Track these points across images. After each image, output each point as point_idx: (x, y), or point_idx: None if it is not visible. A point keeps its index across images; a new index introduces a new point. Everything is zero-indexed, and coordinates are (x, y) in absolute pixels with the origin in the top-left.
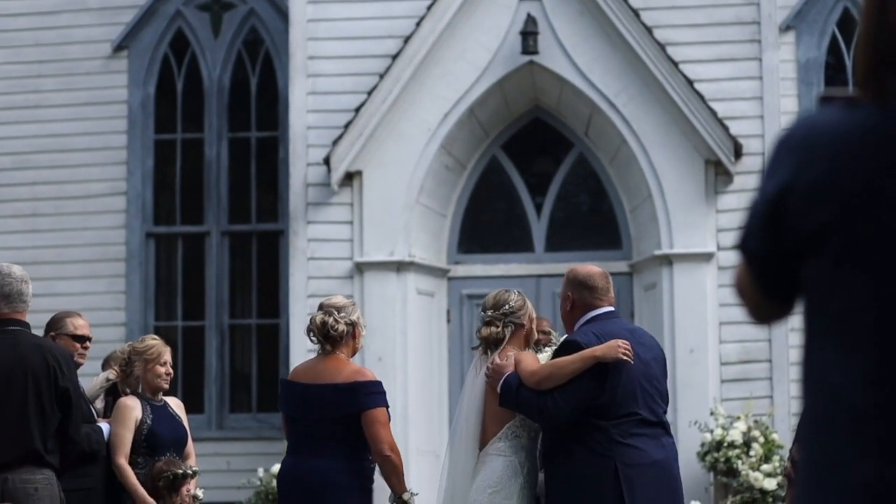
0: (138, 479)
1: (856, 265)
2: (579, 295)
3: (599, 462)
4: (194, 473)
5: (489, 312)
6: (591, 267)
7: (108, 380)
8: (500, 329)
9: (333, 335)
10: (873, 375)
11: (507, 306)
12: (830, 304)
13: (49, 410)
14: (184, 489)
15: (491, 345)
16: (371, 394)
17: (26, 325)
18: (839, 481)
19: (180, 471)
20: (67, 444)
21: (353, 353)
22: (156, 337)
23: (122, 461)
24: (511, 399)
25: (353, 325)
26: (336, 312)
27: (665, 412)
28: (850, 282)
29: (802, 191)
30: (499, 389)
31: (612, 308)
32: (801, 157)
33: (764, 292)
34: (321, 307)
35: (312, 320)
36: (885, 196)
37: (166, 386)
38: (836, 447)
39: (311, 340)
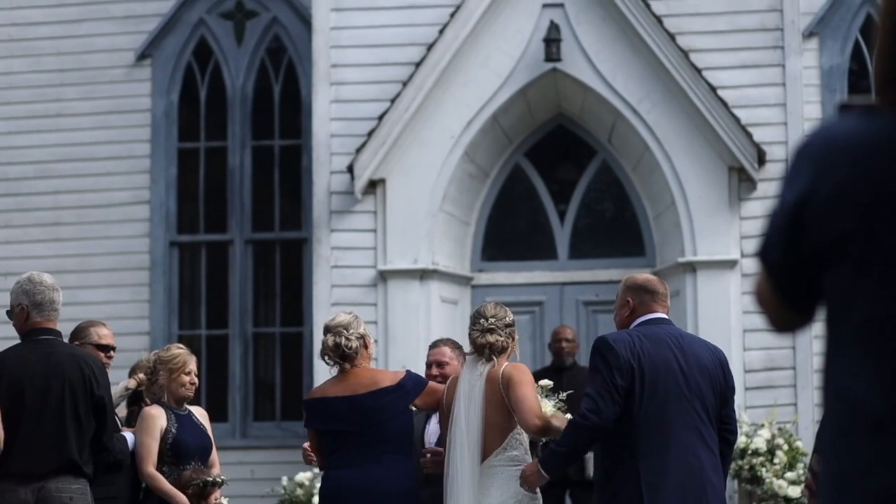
0: None
1: (876, 273)
2: (640, 300)
3: (624, 470)
4: (223, 482)
5: (491, 321)
6: (648, 274)
7: (127, 388)
8: (503, 338)
9: (349, 353)
10: (893, 384)
11: (507, 318)
12: (851, 312)
13: (85, 420)
14: (212, 497)
15: (495, 352)
16: (416, 379)
17: (58, 334)
18: (860, 490)
19: (210, 479)
20: (102, 453)
21: (369, 363)
22: (181, 346)
23: (152, 469)
24: (557, 461)
25: (362, 338)
26: (345, 331)
27: (710, 420)
28: (871, 290)
29: (821, 199)
30: (544, 471)
31: (665, 315)
32: (819, 166)
33: (784, 301)
34: (328, 329)
35: (325, 344)
36: None
37: (190, 395)
38: (856, 456)
39: (327, 363)
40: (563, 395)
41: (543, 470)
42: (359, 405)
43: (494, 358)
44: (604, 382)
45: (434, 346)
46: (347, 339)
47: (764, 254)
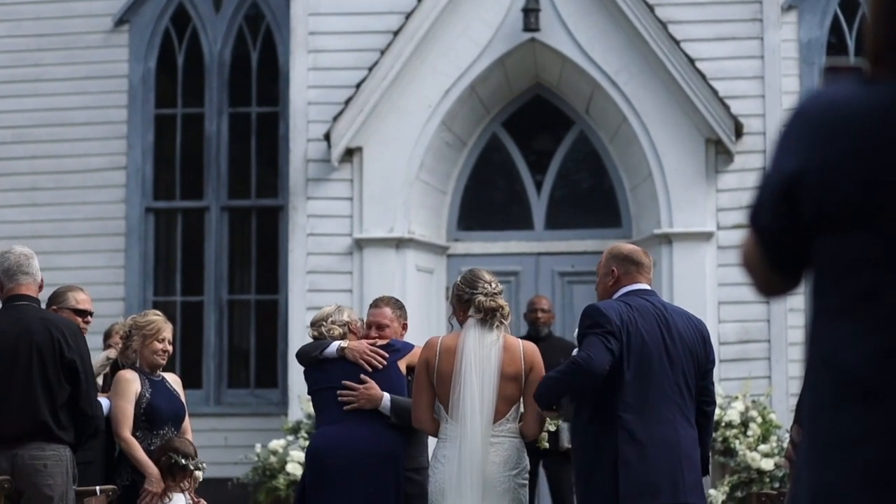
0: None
1: (879, 245)
2: (625, 269)
3: (602, 440)
4: (200, 468)
5: (493, 285)
6: (632, 245)
7: (108, 358)
8: (507, 303)
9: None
10: (886, 354)
11: (501, 285)
12: (847, 281)
13: (55, 382)
14: (184, 482)
15: (504, 317)
16: (404, 344)
17: (34, 300)
18: (846, 461)
19: (191, 465)
20: (80, 418)
21: None
22: (158, 313)
23: (128, 434)
24: (548, 388)
25: (346, 325)
26: (325, 323)
27: (690, 393)
28: (872, 261)
29: (824, 168)
30: (536, 397)
31: (649, 286)
32: (820, 135)
33: (773, 266)
34: (312, 324)
35: (311, 338)
36: None
37: (163, 363)
38: (843, 427)
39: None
40: (560, 422)
41: (535, 399)
42: (350, 363)
43: (504, 323)
44: (597, 339)
45: (374, 305)
46: (329, 328)
47: (755, 218)
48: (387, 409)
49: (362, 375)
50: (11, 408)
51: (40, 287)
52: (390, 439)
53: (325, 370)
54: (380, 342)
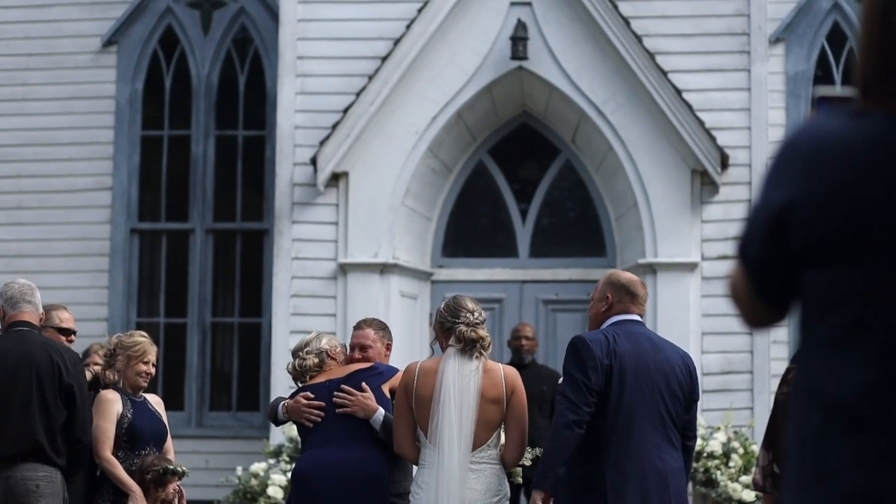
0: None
1: (867, 276)
2: (619, 298)
3: (589, 468)
4: (184, 473)
5: (475, 315)
6: (631, 274)
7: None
8: (489, 334)
9: (306, 371)
10: (873, 385)
11: (483, 313)
12: (835, 313)
13: (53, 406)
14: (170, 487)
15: (484, 347)
16: (387, 368)
17: (34, 327)
18: (831, 491)
19: (171, 467)
20: (74, 444)
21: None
22: (144, 334)
23: (109, 454)
24: (546, 468)
25: (322, 353)
26: (301, 352)
27: (675, 424)
28: (859, 292)
29: (812, 201)
30: (541, 488)
31: (640, 318)
32: (809, 167)
33: (760, 298)
34: (292, 355)
35: (289, 367)
36: None
37: (144, 385)
38: (827, 457)
39: (298, 384)
40: (538, 452)
41: (540, 488)
42: (336, 385)
43: (483, 353)
44: (578, 383)
45: (357, 327)
46: (303, 358)
47: (743, 250)
48: (377, 423)
49: (364, 384)
50: (8, 427)
51: (41, 319)
52: (377, 461)
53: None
54: (363, 366)
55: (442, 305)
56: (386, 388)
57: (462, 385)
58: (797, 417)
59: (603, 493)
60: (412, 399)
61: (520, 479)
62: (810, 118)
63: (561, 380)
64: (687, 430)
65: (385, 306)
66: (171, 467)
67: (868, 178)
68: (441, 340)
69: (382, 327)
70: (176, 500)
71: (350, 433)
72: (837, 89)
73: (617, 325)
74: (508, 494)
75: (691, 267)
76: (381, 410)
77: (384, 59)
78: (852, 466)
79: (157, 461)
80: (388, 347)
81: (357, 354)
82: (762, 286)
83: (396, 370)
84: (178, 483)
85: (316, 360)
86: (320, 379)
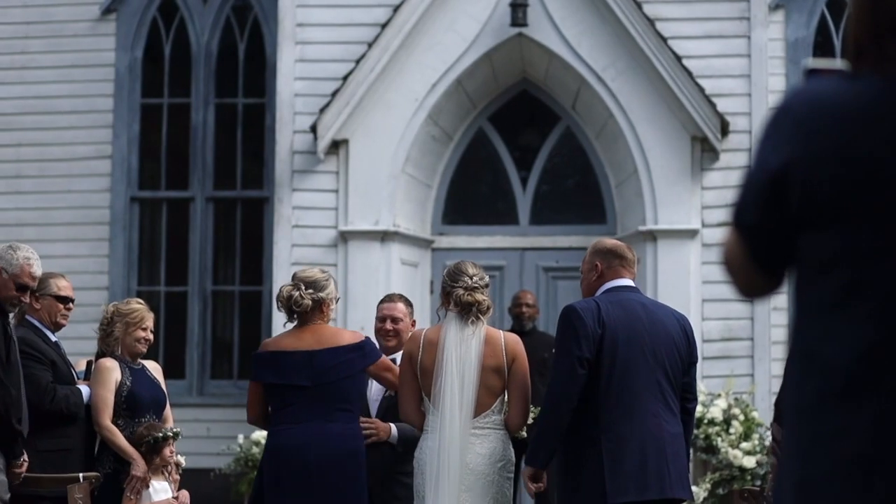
0: None
1: (865, 236)
2: (608, 264)
3: (586, 437)
4: (176, 435)
5: (475, 279)
6: (616, 240)
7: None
8: (488, 298)
9: (297, 310)
10: (872, 346)
11: (486, 277)
12: (832, 275)
13: None
14: (166, 450)
15: (482, 311)
16: (374, 348)
17: None
18: (829, 454)
19: (160, 434)
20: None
21: (324, 324)
22: (141, 301)
23: (108, 422)
24: (538, 445)
25: (320, 302)
26: (303, 287)
27: (674, 389)
28: (858, 254)
29: (809, 162)
30: (532, 465)
31: (632, 281)
32: (804, 130)
33: (757, 265)
34: (294, 278)
35: (281, 291)
36: (894, 167)
37: (143, 351)
38: (824, 421)
39: (279, 310)
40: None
41: (531, 465)
42: (318, 361)
43: (481, 317)
44: (570, 353)
45: (388, 299)
46: (301, 296)
47: (739, 216)
48: (395, 439)
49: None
50: None
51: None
52: (356, 438)
53: (279, 367)
54: (350, 339)
55: (445, 270)
56: (374, 369)
57: (463, 349)
58: (794, 380)
59: (599, 460)
60: (416, 366)
61: (524, 434)
62: (803, 83)
63: (553, 350)
64: (686, 392)
65: (386, 274)
66: (162, 434)
67: (865, 137)
68: (445, 305)
69: (409, 304)
70: (173, 462)
71: (328, 408)
72: (828, 62)
73: (609, 293)
74: (513, 460)
75: (692, 234)
76: (394, 427)
77: (384, 26)
78: (848, 429)
79: (147, 430)
80: (413, 323)
81: (388, 326)
82: (759, 252)
83: (381, 355)
84: (174, 446)
85: (307, 304)
86: (302, 338)
